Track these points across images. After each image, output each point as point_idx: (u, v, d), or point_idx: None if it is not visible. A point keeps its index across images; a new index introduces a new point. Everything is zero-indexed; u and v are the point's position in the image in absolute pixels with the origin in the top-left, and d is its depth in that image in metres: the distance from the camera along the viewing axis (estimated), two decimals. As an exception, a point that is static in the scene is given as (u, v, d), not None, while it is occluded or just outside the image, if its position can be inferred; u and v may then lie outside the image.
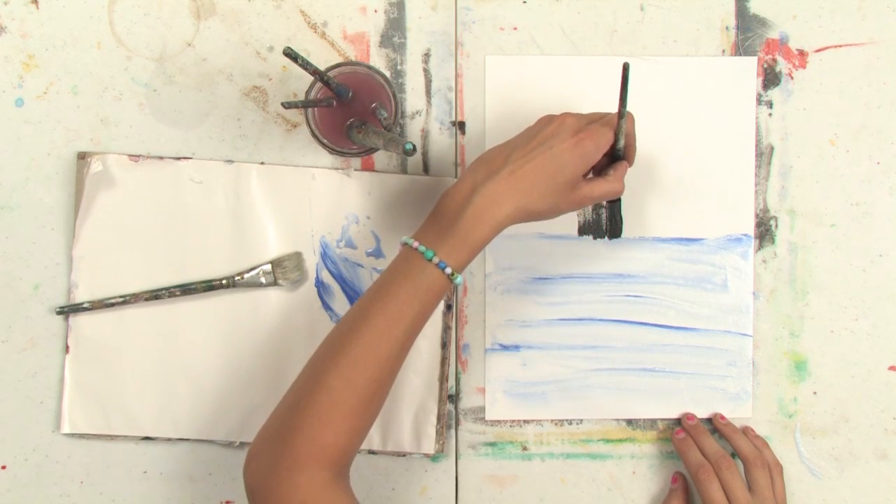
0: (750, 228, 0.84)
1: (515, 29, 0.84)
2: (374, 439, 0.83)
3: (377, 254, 0.83)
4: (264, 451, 0.68)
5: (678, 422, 0.85)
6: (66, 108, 0.83)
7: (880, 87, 0.85)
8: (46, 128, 0.83)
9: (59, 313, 0.82)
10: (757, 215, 0.85)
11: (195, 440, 0.83)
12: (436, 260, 0.69)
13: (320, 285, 0.83)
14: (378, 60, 0.83)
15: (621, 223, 0.84)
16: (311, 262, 0.83)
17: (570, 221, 0.84)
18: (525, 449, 0.85)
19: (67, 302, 0.82)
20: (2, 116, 0.82)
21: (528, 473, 0.85)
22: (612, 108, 0.73)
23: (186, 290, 0.82)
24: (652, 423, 0.85)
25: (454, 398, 0.84)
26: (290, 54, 0.68)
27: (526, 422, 0.84)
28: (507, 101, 0.84)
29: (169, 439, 0.83)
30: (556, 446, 0.85)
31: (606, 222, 0.84)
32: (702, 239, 0.84)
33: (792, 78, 0.85)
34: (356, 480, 0.83)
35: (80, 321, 0.82)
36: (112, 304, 0.82)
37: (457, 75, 0.84)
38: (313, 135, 0.76)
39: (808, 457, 0.85)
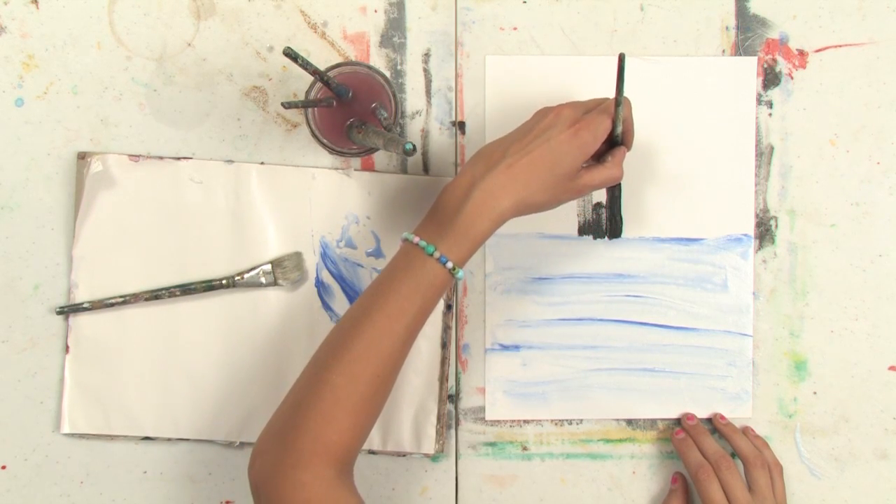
0: (750, 228, 0.84)
1: (515, 29, 0.84)
2: (374, 439, 0.83)
3: (377, 254, 0.83)
4: (268, 449, 0.68)
5: (678, 422, 0.85)
6: (66, 108, 0.83)
7: (880, 87, 0.85)
8: (46, 128, 0.83)
9: (59, 313, 0.82)
10: (757, 215, 0.85)
11: (195, 440, 0.83)
12: (437, 255, 0.69)
13: (320, 285, 0.83)
14: (378, 60, 0.83)
15: (621, 223, 0.84)
16: (311, 262, 0.83)
17: (570, 221, 0.84)
18: (525, 449, 0.85)
19: (67, 302, 0.82)
20: (2, 116, 0.82)
21: (528, 473, 0.85)
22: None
23: (186, 290, 0.82)
24: (652, 423, 0.85)
25: (454, 398, 0.84)
26: (290, 54, 0.68)
27: (526, 422, 0.84)
28: (507, 101, 0.84)
29: (169, 439, 0.83)
30: (556, 446, 0.85)
31: (606, 222, 0.84)
32: (702, 239, 0.84)
33: (792, 78, 0.85)
34: (356, 480, 0.83)
35: (80, 321, 0.82)
36: (112, 304, 0.82)
37: (457, 75, 0.84)
38: (313, 135, 0.76)
39: (808, 457, 0.85)
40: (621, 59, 0.70)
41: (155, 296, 0.81)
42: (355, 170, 0.83)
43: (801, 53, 0.85)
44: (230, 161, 0.83)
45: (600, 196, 0.84)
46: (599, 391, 0.84)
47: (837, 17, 0.84)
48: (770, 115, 0.85)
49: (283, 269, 0.82)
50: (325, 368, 0.69)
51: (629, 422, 0.85)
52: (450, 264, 0.69)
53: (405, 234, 0.71)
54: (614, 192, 0.84)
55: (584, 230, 0.84)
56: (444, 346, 0.83)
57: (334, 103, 0.76)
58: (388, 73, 0.83)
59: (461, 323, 0.84)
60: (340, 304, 0.83)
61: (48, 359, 0.83)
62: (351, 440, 0.68)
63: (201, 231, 0.82)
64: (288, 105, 0.72)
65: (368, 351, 0.68)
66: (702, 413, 0.84)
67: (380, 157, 0.84)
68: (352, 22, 0.83)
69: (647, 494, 0.85)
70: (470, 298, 0.84)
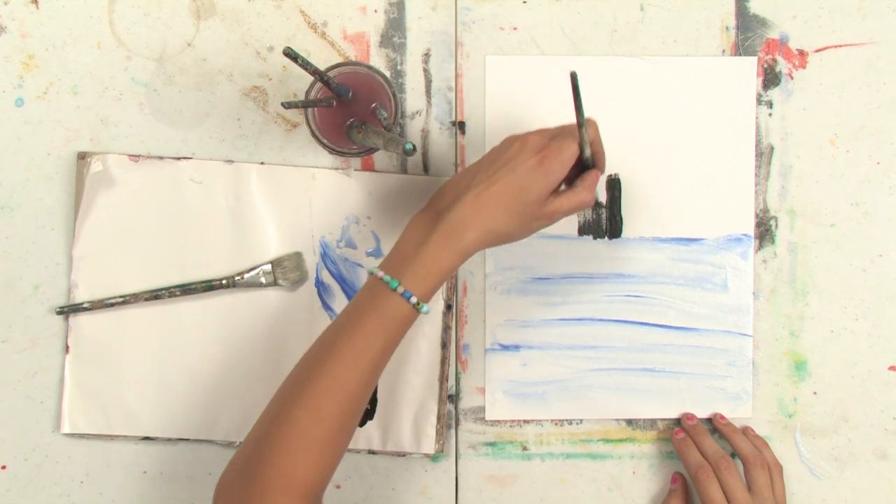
0: (750, 228, 0.84)
1: (515, 29, 0.84)
2: (374, 439, 0.83)
3: (377, 254, 0.83)
4: (234, 484, 0.67)
5: (678, 422, 0.85)
6: (66, 108, 0.83)
7: (880, 87, 0.85)
8: (46, 128, 0.83)
9: (59, 313, 0.82)
10: (757, 215, 0.85)
11: (195, 440, 0.83)
12: (400, 289, 0.68)
13: (320, 285, 0.83)
14: (378, 60, 0.83)
15: (621, 223, 0.84)
16: (311, 262, 0.83)
17: (570, 221, 0.84)
18: (525, 449, 0.85)
19: (67, 302, 0.82)
20: (2, 116, 0.82)
21: (528, 473, 0.85)
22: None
23: (186, 290, 0.82)
24: (652, 423, 0.85)
25: (454, 398, 0.84)
26: (290, 54, 0.68)
27: (526, 422, 0.85)
28: (507, 101, 0.84)
29: (169, 439, 0.83)
30: (556, 446, 0.85)
31: (606, 222, 0.84)
32: (702, 239, 0.84)
33: (792, 78, 0.85)
34: (356, 480, 0.84)
35: (80, 321, 0.82)
36: (112, 304, 0.82)
37: (457, 75, 0.84)
38: (313, 135, 0.76)
39: (808, 457, 0.85)
40: (573, 77, 0.67)
41: (155, 296, 0.81)
42: (355, 170, 0.83)
43: (801, 53, 0.85)
44: (230, 161, 0.83)
45: (600, 196, 0.84)
46: (599, 391, 0.84)
47: (837, 17, 0.84)
48: (770, 115, 0.85)
49: (283, 269, 0.82)
50: (290, 403, 0.67)
51: (629, 422, 0.85)
52: (414, 299, 0.68)
53: (370, 268, 0.71)
54: (614, 192, 0.84)
55: (584, 230, 0.84)
56: (444, 346, 0.83)
57: (334, 103, 0.76)
58: (388, 73, 0.83)
59: (461, 323, 0.84)
60: (340, 304, 0.83)
61: (48, 359, 0.83)
62: (316, 475, 0.67)
63: (201, 231, 0.82)
64: (288, 105, 0.72)
65: (333, 386, 0.67)
66: (702, 413, 0.84)
67: (380, 157, 0.84)
68: (352, 22, 0.83)
69: (646, 494, 0.85)
70: (470, 298, 0.84)
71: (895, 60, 0.85)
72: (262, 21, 0.83)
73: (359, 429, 0.82)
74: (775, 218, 0.85)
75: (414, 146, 0.67)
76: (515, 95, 0.84)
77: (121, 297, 0.82)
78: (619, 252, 0.84)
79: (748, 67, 0.84)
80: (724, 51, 0.84)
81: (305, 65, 0.70)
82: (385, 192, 0.83)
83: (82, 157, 0.82)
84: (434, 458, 0.84)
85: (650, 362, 0.84)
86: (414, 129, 0.84)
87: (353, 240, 0.83)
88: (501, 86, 0.84)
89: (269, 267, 0.82)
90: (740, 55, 0.84)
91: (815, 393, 0.85)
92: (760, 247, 0.85)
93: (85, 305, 0.82)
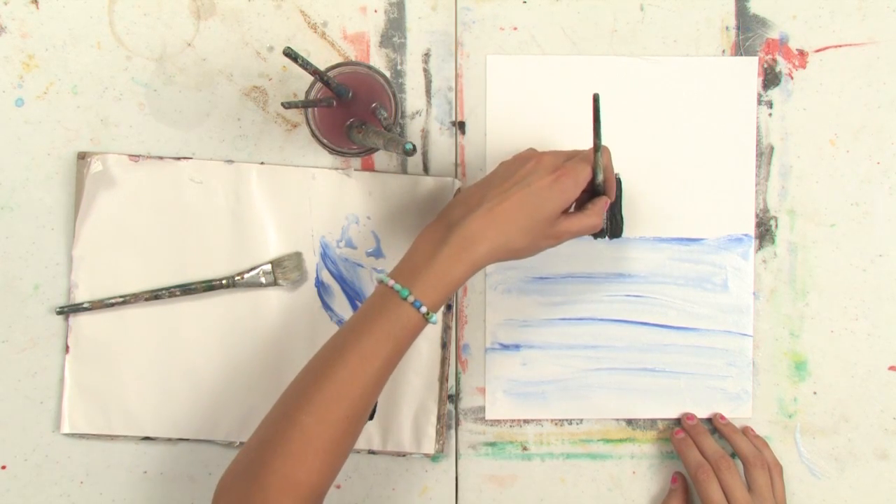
0: (750, 228, 0.85)
1: (515, 29, 0.84)
2: (374, 439, 0.83)
3: (377, 254, 0.83)
4: (235, 486, 0.67)
5: (678, 422, 0.85)
6: (66, 108, 0.83)
7: (880, 87, 0.85)
8: (46, 128, 0.83)
9: (59, 313, 0.82)
10: (757, 215, 0.85)
11: (195, 440, 0.83)
12: (411, 299, 0.69)
13: (320, 285, 0.83)
14: (378, 60, 0.83)
15: (621, 223, 0.84)
16: (311, 262, 0.83)
17: (570, 221, 0.84)
18: (525, 449, 0.85)
19: (67, 302, 0.82)
20: (2, 116, 0.82)
21: (528, 473, 0.85)
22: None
23: (186, 290, 0.82)
24: (652, 423, 0.85)
25: (454, 398, 0.84)
26: (290, 54, 0.68)
27: (526, 422, 0.85)
28: (507, 101, 0.84)
29: (169, 439, 0.83)
30: (556, 446, 0.85)
31: (606, 222, 0.84)
32: (702, 239, 0.84)
33: (792, 78, 0.85)
34: (356, 480, 0.84)
35: (80, 321, 0.82)
36: (112, 304, 0.82)
37: (457, 75, 0.84)
38: (313, 135, 0.76)
39: (808, 457, 0.85)
40: (595, 100, 0.68)
41: (155, 296, 0.81)
42: (355, 170, 0.83)
43: (801, 53, 0.85)
44: (230, 161, 0.83)
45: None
46: (599, 391, 0.84)
47: (837, 17, 0.84)
48: (770, 115, 0.85)
49: (283, 269, 0.82)
50: (296, 408, 0.68)
51: (629, 422, 0.85)
52: (423, 309, 0.69)
53: (380, 276, 0.71)
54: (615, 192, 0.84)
55: (584, 230, 0.84)
56: (444, 346, 0.83)
57: (334, 103, 0.76)
58: (388, 73, 0.83)
59: (461, 323, 0.84)
60: (340, 304, 0.83)
61: (48, 359, 0.83)
62: (319, 479, 0.67)
63: (201, 231, 0.82)
64: (288, 105, 0.72)
65: (340, 392, 0.68)
66: (702, 413, 0.84)
67: (380, 157, 0.84)
68: (352, 22, 0.83)
69: (646, 494, 0.85)
70: (470, 298, 0.84)
71: (895, 60, 0.85)
72: (262, 21, 0.83)
73: (359, 429, 0.82)
74: (775, 218, 0.85)
75: (414, 146, 0.67)
76: (516, 95, 0.84)
77: (121, 297, 0.82)
78: (620, 252, 0.84)
79: (748, 67, 0.84)
80: (724, 51, 0.84)
81: (305, 65, 0.70)
82: (385, 192, 0.83)
83: (82, 157, 0.82)
84: (434, 458, 0.84)
85: (650, 362, 0.84)
86: (414, 129, 0.84)
87: (353, 240, 0.83)
88: (502, 86, 0.84)
89: (269, 267, 0.82)
90: (740, 55, 0.84)
91: (815, 393, 0.85)
92: (761, 247, 0.85)
93: (85, 305, 0.82)
